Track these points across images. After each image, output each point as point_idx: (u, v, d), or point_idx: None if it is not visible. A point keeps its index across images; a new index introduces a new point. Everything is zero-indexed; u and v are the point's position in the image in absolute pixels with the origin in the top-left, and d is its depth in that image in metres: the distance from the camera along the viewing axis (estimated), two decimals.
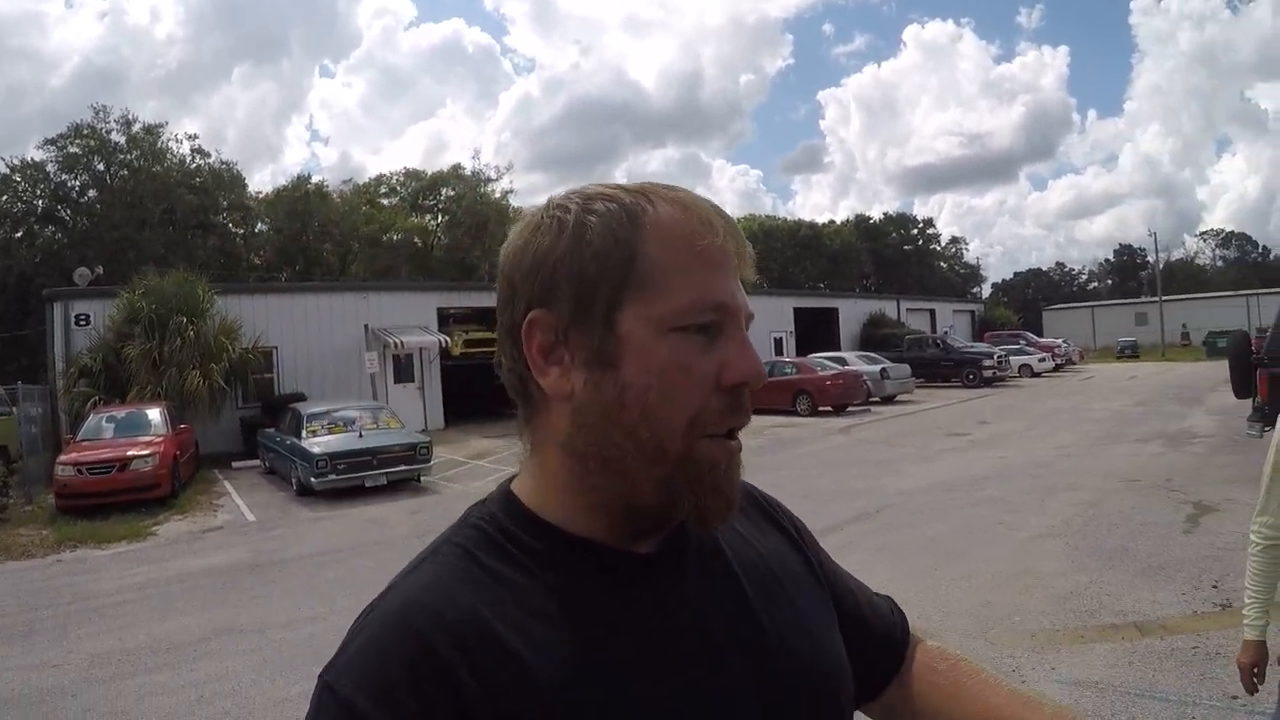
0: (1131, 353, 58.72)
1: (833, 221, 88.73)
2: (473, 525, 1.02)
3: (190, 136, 50.82)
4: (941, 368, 37.66)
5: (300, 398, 22.35)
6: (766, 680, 1.01)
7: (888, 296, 57.25)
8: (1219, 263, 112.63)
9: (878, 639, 1.29)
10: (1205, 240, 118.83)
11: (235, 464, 21.14)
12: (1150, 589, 7.61)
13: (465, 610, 0.90)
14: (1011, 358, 40.41)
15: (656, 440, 0.93)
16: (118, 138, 44.14)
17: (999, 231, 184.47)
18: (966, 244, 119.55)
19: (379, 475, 15.91)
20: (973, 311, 65.41)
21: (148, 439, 16.50)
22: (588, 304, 0.95)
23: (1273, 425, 9.70)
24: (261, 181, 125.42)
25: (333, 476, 15.47)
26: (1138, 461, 14.89)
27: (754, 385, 0.97)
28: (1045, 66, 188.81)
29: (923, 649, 1.33)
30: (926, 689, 1.27)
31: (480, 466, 19.36)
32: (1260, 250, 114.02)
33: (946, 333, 47.18)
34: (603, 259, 0.94)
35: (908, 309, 53.78)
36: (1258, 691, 3.00)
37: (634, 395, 0.93)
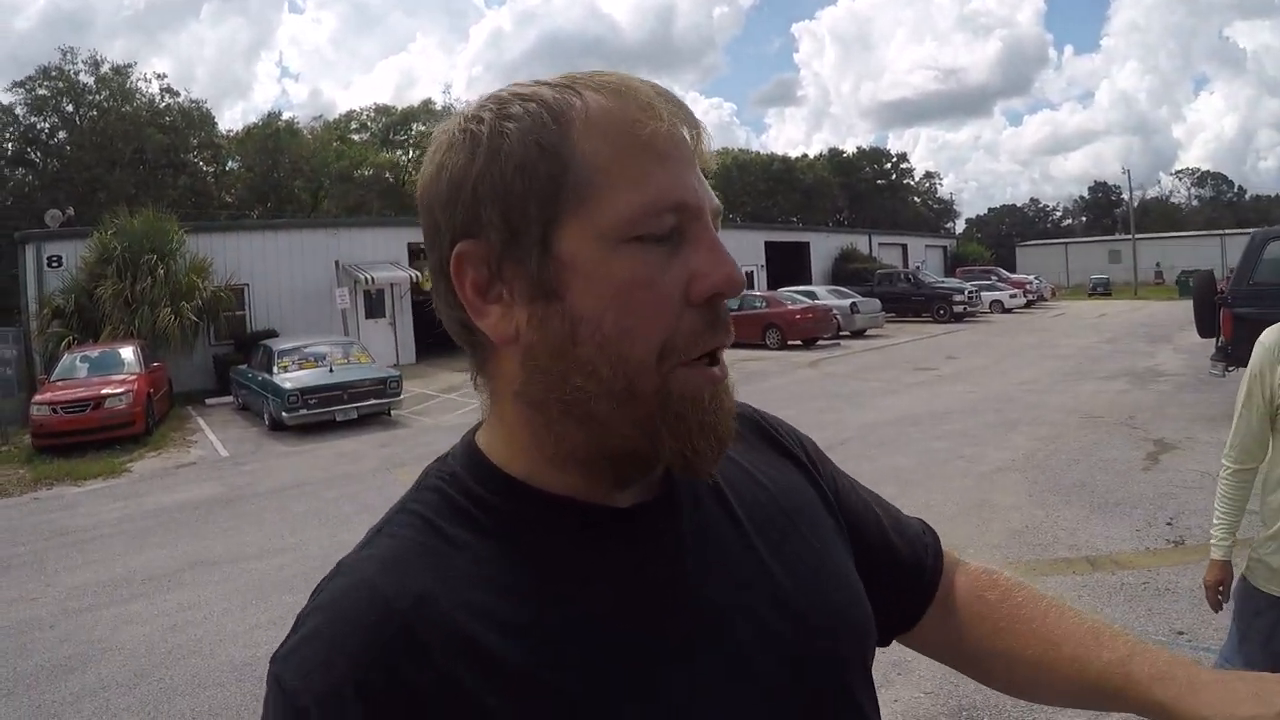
0: (1104, 290, 58.88)
1: (806, 155, 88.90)
2: (432, 488, 0.90)
3: (159, 76, 50.72)
4: (912, 303, 37.66)
5: (272, 334, 22.41)
6: (777, 632, 0.90)
7: (860, 231, 57.05)
8: (1194, 202, 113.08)
9: (906, 565, 1.18)
10: (1181, 179, 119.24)
11: (208, 401, 21.31)
12: (1105, 524, 7.73)
13: (419, 595, 0.78)
14: (983, 293, 40.41)
15: (624, 377, 0.79)
16: (86, 79, 43.91)
17: (973, 167, 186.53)
18: (941, 179, 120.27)
19: (349, 409, 16.05)
20: (945, 247, 65.45)
21: (121, 377, 16.60)
22: (518, 227, 0.80)
23: (1236, 365, 9.85)
24: (232, 119, 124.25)
25: (304, 411, 15.61)
26: (1102, 398, 15.03)
27: (729, 294, 0.82)
28: (1023, 1, 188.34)
29: (966, 573, 1.22)
30: (973, 620, 1.16)
31: (450, 400, 19.44)
32: (1236, 190, 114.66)
33: (918, 268, 47.02)
34: (528, 171, 0.79)
35: (880, 244, 53.70)
36: (1221, 610, 3.13)
37: (588, 327, 0.79)
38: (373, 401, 16.51)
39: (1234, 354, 11.84)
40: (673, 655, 0.83)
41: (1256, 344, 2.97)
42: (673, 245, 0.80)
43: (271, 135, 48.77)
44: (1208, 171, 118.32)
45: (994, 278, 48.26)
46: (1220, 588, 3.08)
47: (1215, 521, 3.09)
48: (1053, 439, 11.61)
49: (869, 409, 15.00)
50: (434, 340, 28.99)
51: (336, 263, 26.30)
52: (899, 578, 1.16)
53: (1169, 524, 7.64)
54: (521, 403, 0.85)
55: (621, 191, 0.79)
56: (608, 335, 0.79)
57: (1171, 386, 16.16)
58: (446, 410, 17.88)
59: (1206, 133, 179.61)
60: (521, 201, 0.79)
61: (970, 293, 38.29)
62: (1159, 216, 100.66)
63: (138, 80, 45.40)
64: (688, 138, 0.84)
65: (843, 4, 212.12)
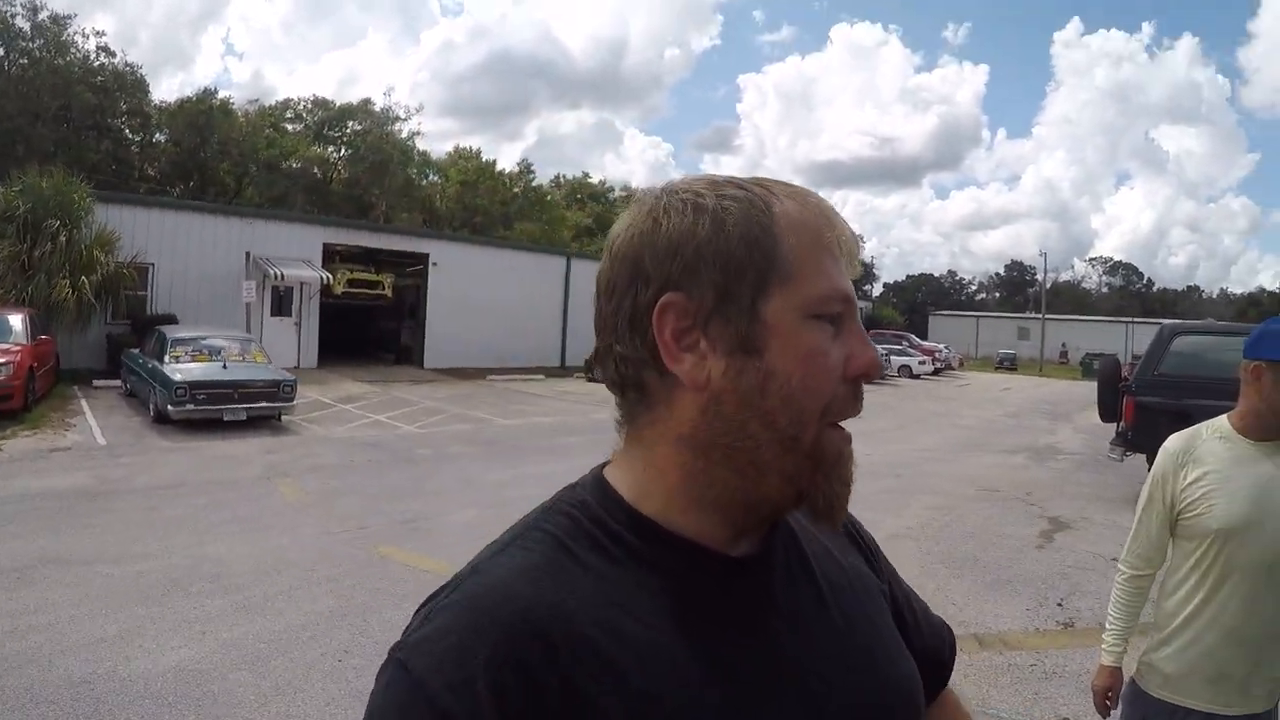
0: (1010, 365, 60.42)
1: None
2: (564, 512, 0.98)
3: (98, 33, 48.48)
4: None
5: (171, 320, 21.69)
6: (849, 692, 0.99)
7: None
8: (1104, 289, 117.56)
9: (926, 659, 1.23)
10: (1094, 266, 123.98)
11: (96, 383, 20.43)
12: (995, 602, 7.65)
13: (554, 604, 0.86)
14: (892, 357, 41.45)
15: (794, 428, 0.92)
16: (22, 23, 42.25)
17: (897, 234, 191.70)
18: (864, 242, 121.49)
19: (239, 410, 15.50)
20: (861, 309, 66.24)
21: (4, 346, 15.67)
22: (735, 290, 0.92)
23: (1134, 450, 9.97)
24: (169, 90, 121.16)
25: (190, 406, 15.01)
26: (1000, 472, 15.14)
27: (873, 375, 0.98)
28: (964, 82, 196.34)
29: (950, 696, 1.36)
30: None
31: (346, 411, 19.04)
32: (1145, 281, 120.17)
33: None
34: (750, 244, 0.92)
35: None
36: (1108, 716, 3.05)
37: (778, 382, 0.91)
38: (264, 404, 15.94)
39: (1134, 440, 12.23)
40: (760, 696, 0.91)
41: (1160, 450, 2.97)
42: (837, 328, 0.95)
43: (204, 112, 47.19)
44: (1120, 261, 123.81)
45: (905, 343, 49.33)
46: (1109, 693, 2.99)
47: (1108, 626, 3.02)
48: (949, 509, 11.59)
49: None
50: (339, 347, 28.62)
51: (248, 254, 25.57)
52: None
53: (1060, 605, 7.64)
54: (684, 446, 0.95)
55: (812, 278, 0.93)
56: (794, 390, 0.91)
57: (1070, 465, 16.46)
58: (340, 421, 17.47)
59: (1123, 225, 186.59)
60: (741, 269, 0.92)
61: (880, 356, 38.70)
62: (1069, 299, 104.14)
63: (75, 34, 43.79)
64: (850, 249, 0.99)
65: (791, 62, 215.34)
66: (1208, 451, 2.82)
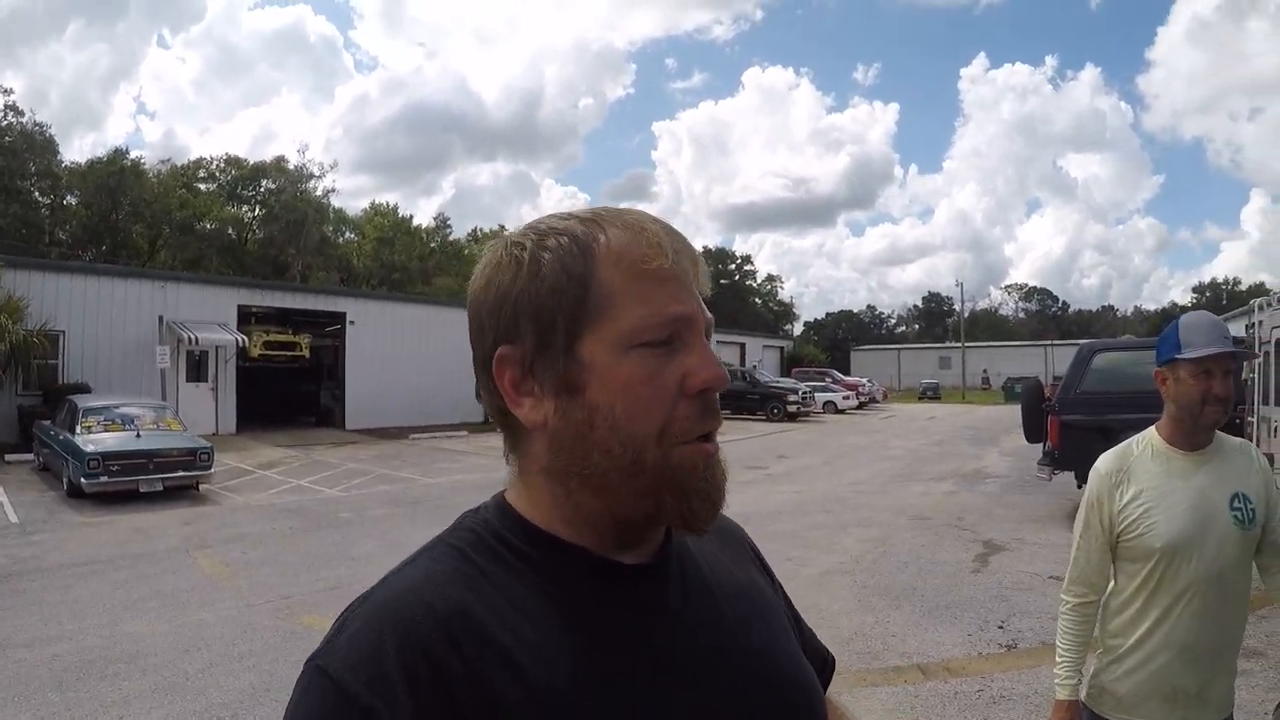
0: (933, 394, 61.47)
1: None
2: (467, 529, 1.05)
3: (5, 91, 47.59)
4: (747, 401, 38.46)
5: (84, 389, 21.17)
6: (747, 691, 1.04)
7: None
8: (1021, 314, 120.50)
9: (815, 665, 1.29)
10: (1009, 293, 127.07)
11: (9, 457, 19.88)
12: (936, 629, 7.61)
13: (456, 604, 0.92)
14: (817, 394, 42.07)
15: (632, 453, 0.95)
16: None
17: (815, 272, 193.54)
18: (782, 282, 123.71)
19: (155, 480, 15.07)
20: (783, 348, 67.41)
21: None
22: (548, 337, 0.97)
23: (1062, 469, 10.10)
24: (81, 150, 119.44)
25: (104, 478, 14.54)
26: (930, 499, 15.25)
27: (717, 388, 0.98)
28: (875, 121, 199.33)
29: (830, 702, 1.38)
30: None
31: (267, 477, 18.64)
32: (1060, 305, 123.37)
33: (755, 367, 48.26)
34: (558, 293, 0.97)
35: (718, 341, 54.26)
36: None
37: (602, 415, 0.95)
38: (181, 473, 15.49)
39: (1061, 459, 12.50)
40: (651, 694, 0.95)
41: (1092, 471, 2.93)
42: (671, 349, 0.97)
43: (115, 173, 46.56)
44: (1035, 287, 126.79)
45: (828, 379, 50.08)
46: None
47: (1059, 659, 2.91)
48: (882, 540, 11.60)
49: None
50: (258, 411, 28.19)
51: (161, 318, 25.14)
52: None
53: (1000, 627, 7.63)
54: (546, 476, 1.02)
55: (629, 309, 0.96)
56: (618, 419, 0.95)
57: (998, 488, 16.65)
58: (261, 488, 17.09)
59: (1036, 251, 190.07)
60: (551, 316, 0.97)
61: (805, 393, 39.53)
62: (987, 326, 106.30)
63: None
64: (687, 269, 1.01)
65: (704, 108, 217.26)
66: (1141, 469, 2.80)
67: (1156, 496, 2.72)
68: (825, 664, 1.40)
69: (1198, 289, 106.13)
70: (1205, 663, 2.69)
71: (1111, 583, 2.87)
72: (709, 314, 1.03)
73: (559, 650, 0.93)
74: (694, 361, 0.97)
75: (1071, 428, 12.12)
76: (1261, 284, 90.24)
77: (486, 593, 0.95)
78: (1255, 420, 12.08)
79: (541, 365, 0.98)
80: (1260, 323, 12.27)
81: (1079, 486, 12.09)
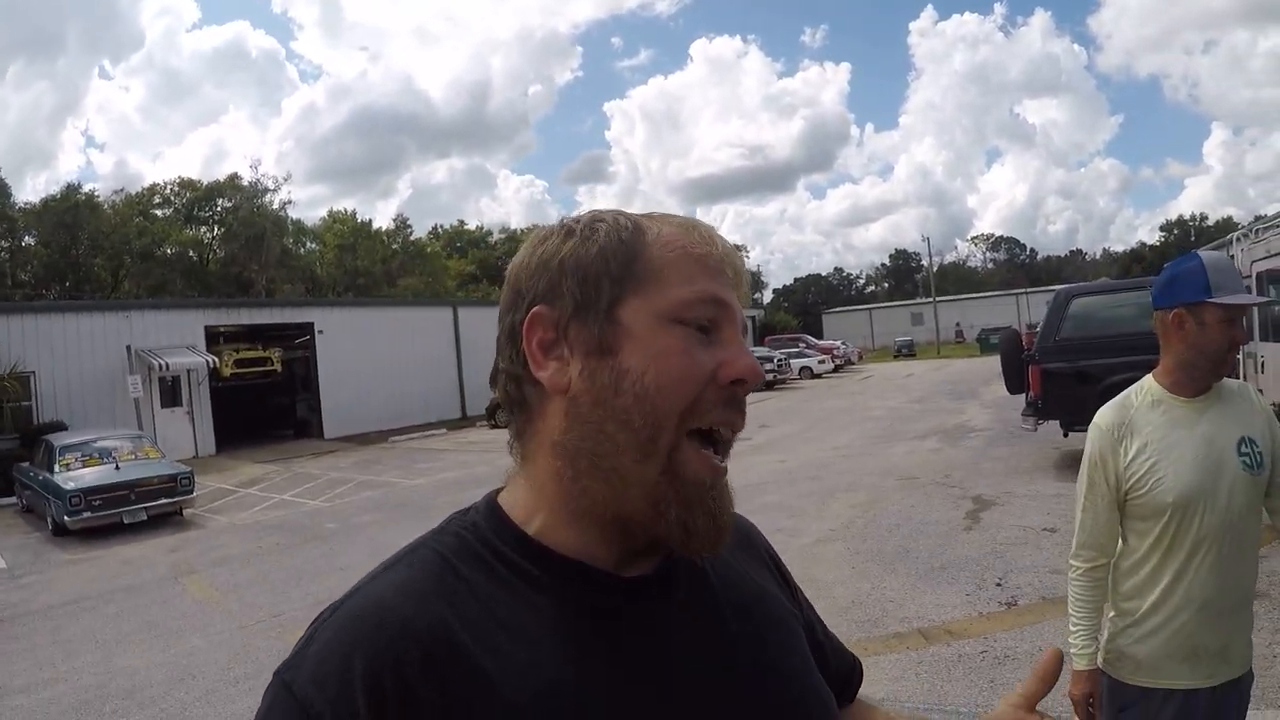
0: (909, 351, 61.59)
1: None
2: (453, 533, 1.01)
3: None
4: None
5: (60, 427, 20.87)
6: (747, 715, 0.99)
7: None
8: (989, 264, 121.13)
9: (832, 673, 1.24)
10: (976, 244, 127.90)
11: None
12: (934, 591, 7.58)
13: (434, 619, 0.88)
14: (792, 361, 42.13)
15: (650, 428, 0.92)
16: None
17: (779, 239, 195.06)
18: (748, 251, 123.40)
19: (138, 510, 14.91)
20: (754, 317, 67.16)
21: None
22: (591, 297, 0.96)
23: (1046, 418, 10.07)
24: (35, 189, 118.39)
25: (87, 514, 14.40)
26: (916, 458, 15.29)
27: (751, 383, 0.96)
28: (827, 82, 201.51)
29: (862, 702, 1.37)
30: None
31: (250, 495, 18.51)
32: (1028, 252, 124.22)
33: None
34: (607, 255, 0.96)
35: None
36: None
37: (631, 379, 0.93)
38: (163, 501, 15.32)
39: (1044, 408, 12.43)
40: (643, 706, 0.91)
41: (1091, 427, 2.79)
42: (710, 337, 0.96)
43: (70, 209, 46.02)
44: (1001, 236, 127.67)
45: (802, 345, 50.15)
46: (1090, 700, 2.79)
47: (1073, 628, 2.81)
48: (871, 504, 11.61)
49: None
50: (236, 429, 28.06)
51: (129, 348, 24.88)
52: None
53: (999, 584, 7.60)
54: (556, 453, 0.96)
55: (675, 285, 0.96)
56: (646, 387, 0.92)
57: (982, 442, 16.71)
58: (244, 507, 16.98)
59: (999, 201, 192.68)
60: (597, 276, 0.96)
61: (780, 360, 39.54)
62: (957, 279, 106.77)
63: None
64: (732, 268, 1.01)
65: (653, 84, 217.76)
66: (1143, 420, 2.68)
67: (1162, 449, 2.63)
68: (852, 671, 1.37)
69: (1165, 227, 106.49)
70: (1227, 618, 2.63)
71: (1121, 543, 2.79)
72: (744, 317, 1.02)
73: (542, 668, 0.89)
74: (731, 352, 0.96)
75: (1053, 376, 12.10)
76: (1229, 218, 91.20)
77: (466, 605, 0.91)
78: (1241, 356, 12.10)
79: (577, 327, 0.96)
80: (1238, 256, 12.29)
81: (1065, 435, 12.17)
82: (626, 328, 0.94)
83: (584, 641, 0.93)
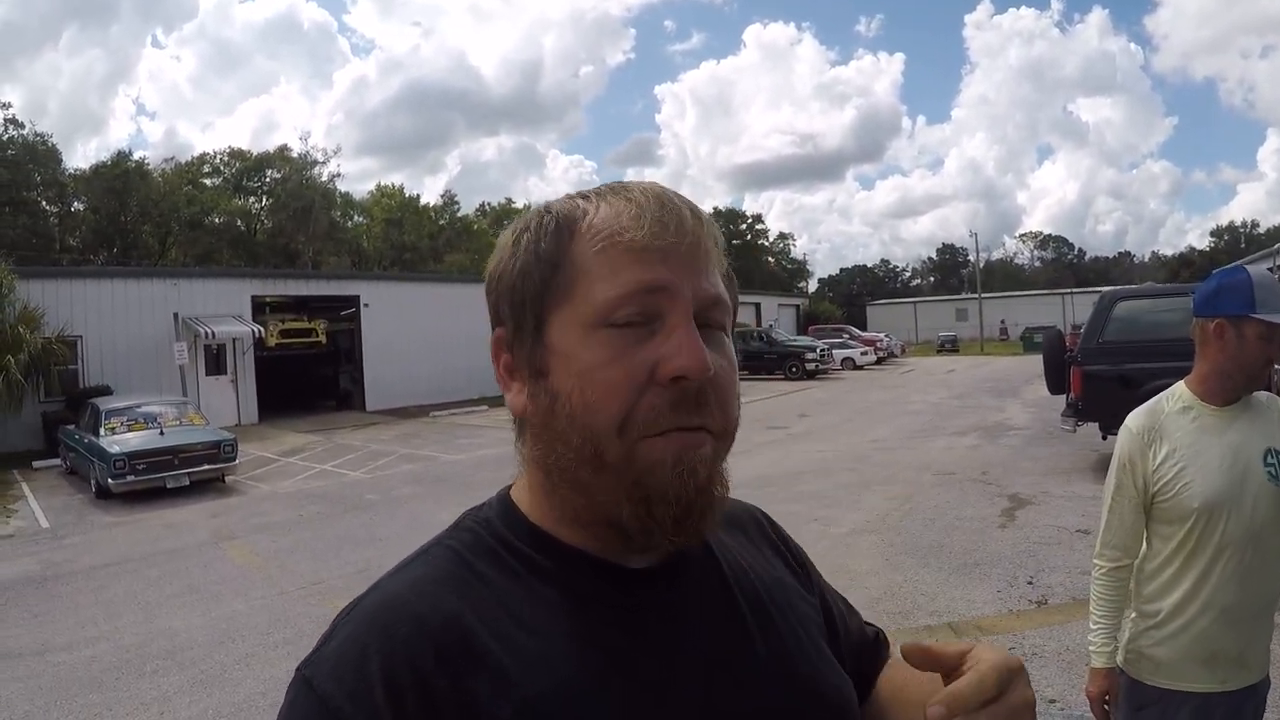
0: (951, 347, 61.02)
1: None
2: (467, 529, 1.02)
3: (4, 105, 47.47)
4: (765, 360, 38.50)
5: (106, 391, 21.06)
6: (759, 703, 0.98)
7: None
8: (1036, 263, 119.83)
9: (853, 648, 1.27)
10: (1024, 241, 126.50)
11: (36, 464, 19.92)
12: (965, 587, 7.61)
13: (449, 615, 0.89)
14: (834, 351, 41.88)
15: (589, 447, 0.89)
16: None
17: (826, 229, 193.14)
18: (794, 240, 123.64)
19: (181, 475, 15.13)
20: (798, 305, 67.22)
21: None
22: (521, 318, 0.95)
23: (1086, 420, 10.04)
24: (85, 156, 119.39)
25: (131, 478, 14.62)
26: (954, 454, 15.23)
27: (692, 377, 0.87)
28: (880, 73, 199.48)
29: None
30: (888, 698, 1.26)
31: (291, 464, 18.69)
32: (1076, 252, 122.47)
33: (771, 326, 47.84)
34: (525, 274, 0.94)
35: None
36: None
37: (561, 401, 0.91)
38: (206, 467, 15.56)
39: (1084, 410, 12.37)
40: (659, 708, 0.91)
41: (1122, 430, 2.83)
42: (647, 331, 0.89)
43: (120, 176, 46.44)
44: (1049, 235, 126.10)
45: (846, 335, 49.72)
46: (1107, 698, 2.82)
47: (1093, 626, 2.85)
48: (907, 498, 11.60)
49: None
50: (279, 399, 28.25)
51: (176, 315, 25.10)
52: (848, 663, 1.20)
53: (1030, 583, 7.61)
54: (535, 468, 0.98)
55: (601, 285, 0.90)
56: (575, 408, 0.89)
57: (1021, 440, 16.56)
58: (285, 475, 17.16)
59: (1049, 199, 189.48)
60: (520, 299, 0.95)
61: (823, 350, 39.36)
62: (1003, 276, 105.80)
63: None
64: (680, 242, 0.92)
65: (706, 68, 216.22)
66: (1173, 426, 2.72)
67: (1190, 455, 2.66)
68: (876, 643, 1.33)
69: (1215, 233, 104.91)
70: (1246, 624, 2.67)
71: (1144, 546, 2.82)
72: (714, 291, 0.94)
73: (554, 660, 0.89)
74: (670, 346, 0.88)
75: (1094, 378, 12.03)
76: None
77: (481, 600, 0.92)
78: (1276, 370, 11.98)
79: (517, 349, 0.96)
80: None
81: (1104, 438, 12.10)
82: (553, 347, 0.92)
83: (596, 633, 0.92)
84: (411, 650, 0.85)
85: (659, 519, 0.89)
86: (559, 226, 0.94)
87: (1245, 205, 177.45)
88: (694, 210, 0.96)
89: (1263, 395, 2.81)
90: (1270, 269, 12.97)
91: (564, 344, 0.91)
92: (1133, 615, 2.85)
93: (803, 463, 14.85)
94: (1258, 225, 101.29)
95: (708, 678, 0.95)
